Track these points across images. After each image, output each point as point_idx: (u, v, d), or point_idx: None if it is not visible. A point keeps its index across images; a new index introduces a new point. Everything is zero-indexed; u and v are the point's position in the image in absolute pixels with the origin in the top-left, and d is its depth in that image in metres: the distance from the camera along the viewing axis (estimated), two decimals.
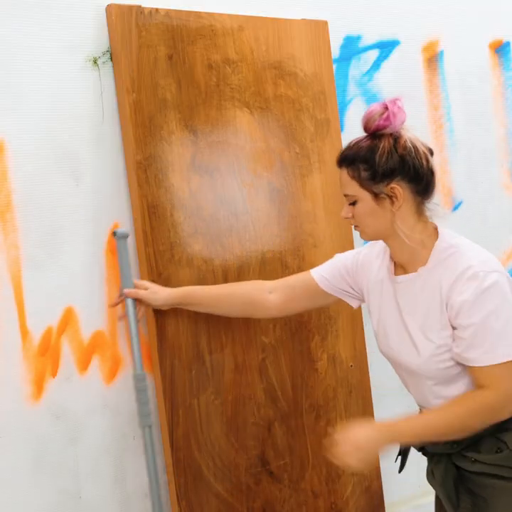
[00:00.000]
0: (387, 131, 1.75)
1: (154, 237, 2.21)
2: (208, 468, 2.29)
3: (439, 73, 2.93)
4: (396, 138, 1.74)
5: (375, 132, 1.75)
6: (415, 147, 1.75)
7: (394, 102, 1.74)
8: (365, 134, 1.78)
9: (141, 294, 2.14)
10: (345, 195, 1.82)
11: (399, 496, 2.84)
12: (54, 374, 2.14)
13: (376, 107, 1.75)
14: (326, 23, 2.58)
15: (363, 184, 1.76)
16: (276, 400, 2.43)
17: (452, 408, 1.78)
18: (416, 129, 2.85)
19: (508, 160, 3.13)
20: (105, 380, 2.22)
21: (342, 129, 2.64)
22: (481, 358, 1.72)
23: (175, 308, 2.22)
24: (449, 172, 2.96)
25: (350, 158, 1.77)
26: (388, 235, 1.81)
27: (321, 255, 2.52)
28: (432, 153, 1.80)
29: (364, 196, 1.77)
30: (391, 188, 1.73)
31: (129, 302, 2.15)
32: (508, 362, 1.71)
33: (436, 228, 1.83)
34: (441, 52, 2.93)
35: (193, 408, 2.27)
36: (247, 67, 2.39)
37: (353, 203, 1.80)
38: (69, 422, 2.17)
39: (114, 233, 2.16)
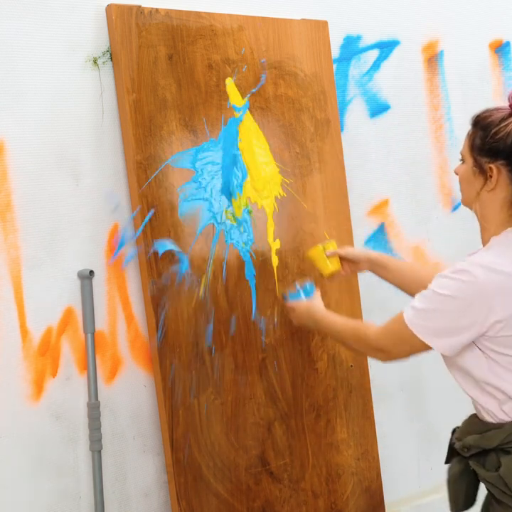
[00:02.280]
0: None
1: (154, 237, 2.21)
2: (208, 468, 2.29)
3: (439, 73, 2.93)
4: None
5: None
6: None
7: None
8: (508, 105, 1.75)
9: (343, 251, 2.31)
10: (460, 151, 1.84)
11: (399, 496, 2.84)
12: (54, 374, 2.14)
13: None
14: (326, 23, 2.58)
15: (472, 148, 1.77)
16: (276, 400, 2.43)
17: (350, 321, 2.07)
18: (416, 129, 2.87)
19: None
20: (105, 380, 2.22)
21: (342, 129, 2.64)
22: (408, 309, 1.79)
23: (175, 307, 2.22)
24: (449, 172, 2.96)
25: (477, 120, 1.77)
26: (471, 207, 1.85)
27: None
28: None
29: (468, 160, 1.78)
30: (490, 167, 1.72)
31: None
32: (404, 323, 1.76)
33: None
34: (441, 53, 2.93)
35: (193, 408, 2.27)
36: (247, 67, 2.39)
37: (462, 162, 1.83)
38: (69, 422, 2.17)
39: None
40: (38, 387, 2.12)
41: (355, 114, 2.72)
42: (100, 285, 2.21)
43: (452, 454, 1.89)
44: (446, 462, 1.92)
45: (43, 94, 2.11)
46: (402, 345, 1.82)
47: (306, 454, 2.49)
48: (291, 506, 2.45)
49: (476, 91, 3.02)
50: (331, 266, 2.29)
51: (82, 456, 2.20)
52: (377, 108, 2.77)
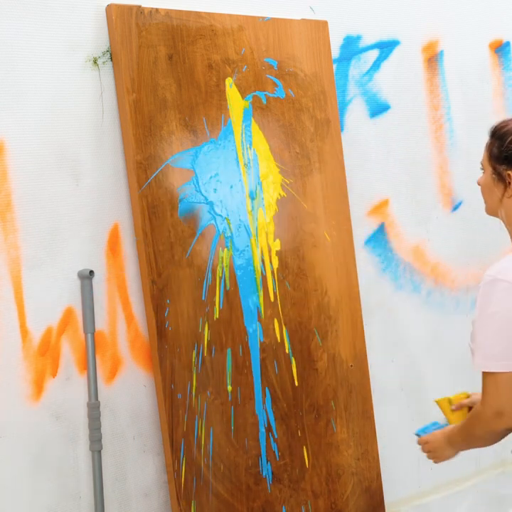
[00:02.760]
0: None
1: (154, 237, 2.21)
2: (208, 468, 2.29)
3: (439, 73, 2.93)
4: None
5: None
6: None
7: None
8: None
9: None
10: (480, 162, 1.89)
11: (399, 496, 2.84)
12: (54, 374, 2.14)
13: None
14: (326, 23, 2.58)
15: (490, 158, 1.82)
16: (276, 400, 2.43)
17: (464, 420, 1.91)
18: (416, 129, 2.87)
19: None
20: (105, 380, 2.22)
21: (342, 129, 2.64)
22: (475, 360, 1.76)
23: (175, 306, 2.23)
24: (449, 172, 2.96)
25: (494, 131, 1.84)
26: (496, 215, 1.88)
27: (321, 255, 2.53)
28: None
29: (487, 169, 1.84)
30: (508, 173, 1.78)
31: None
32: (486, 373, 1.73)
33: None
34: (441, 53, 2.93)
35: (193, 408, 2.27)
36: (247, 67, 2.39)
37: (483, 171, 1.88)
38: (69, 422, 2.17)
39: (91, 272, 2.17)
40: (38, 387, 2.12)
41: (355, 114, 2.72)
42: (100, 285, 2.21)
43: None
44: None
45: (43, 94, 2.11)
46: (501, 394, 1.73)
47: (306, 454, 2.49)
48: (291, 506, 2.45)
49: (476, 91, 3.02)
50: (453, 419, 2.21)
51: (82, 456, 2.20)
52: (377, 108, 2.77)
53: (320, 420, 2.52)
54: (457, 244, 3.00)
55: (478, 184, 1.89)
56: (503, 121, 1.84)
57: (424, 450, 2.09)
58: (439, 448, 2.03)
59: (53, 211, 2.14)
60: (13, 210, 2.08)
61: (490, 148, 1.83)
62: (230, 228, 2.35)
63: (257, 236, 2.41)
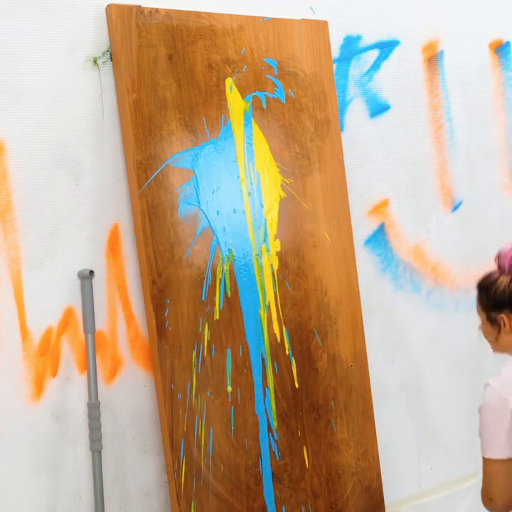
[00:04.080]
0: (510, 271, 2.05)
1: (154, 237, 2.21)
2: (208, 468, 2.29)
3: (439, 73, 2.93)
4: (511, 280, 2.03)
5: (500, 268, 2.05)
6: None
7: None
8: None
9: None
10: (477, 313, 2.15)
11: (399, 496, 2.84)
12: (54, 374, 2.14)
13: (507, 247, 2.05)
14: (326, 23, 2.58)
15: (483, 308, 2.08)
16: (277, 400, 2.43)
17: None
18: (416, 129, 2.87)
19: (508, 160, 3.13)
20: (105, 380, 2.22)
21: (342, 129, 2.64)
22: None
23: (175, 306, 2.23)
24: (449, 172, 2.96)
25: (479, 286, 2.09)
26: (500, 351, 2.12)
27: (321, 255, 2.53)
28: None
29: (483, 318, 2.09)
30: (500, 317, 2.03)
31: None
32: (485, 459, 1.95)
33: None
34: (441, 52, 2.93)
35: (193, 408, 2.27)
36: (247, 68, 2.39)
37: (481, 320, 2.13)
38: (69, 422, 2.17)
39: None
40: (38, 387, 2.12)
41: (355, 114, 2.72)
42: (100, 285, 2.21)
43: None
44: None
45: (43, 94, 2.11)
46: (491, 480, 1.95)
47: (306, 454, 2.49)
48: (291, 506, 2.45)
49: (476, 91, 3.02)
50: None
51: (82, 456, 2.20)
52: (377, 108, 2.77)
53: (320, 420, 2.52)
54: (457, 244, 3.00)
55: (480, 329, 2.14)
56: (484, 277, 2.08)
57: None
58: None
59: (53, 211, 2.14)
60: (13, 210, 2.08)
61: (480, 300, 2.08)
62: (225, 230, 2.35)
63: (257, 236, 2.41)
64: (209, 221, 2.31)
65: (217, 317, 2.31)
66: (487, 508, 2.00)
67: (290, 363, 2.46)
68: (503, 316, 2.03)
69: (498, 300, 2.03)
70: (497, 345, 2.09)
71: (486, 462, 1.96)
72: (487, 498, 1.97)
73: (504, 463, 1.94)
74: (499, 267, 2.06)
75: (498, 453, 1.94)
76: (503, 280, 2.03)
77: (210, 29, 2.32)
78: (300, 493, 2.47)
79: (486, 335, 2.11)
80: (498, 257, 2.07)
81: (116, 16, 2.17)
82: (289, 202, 2.47)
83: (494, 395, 1.98)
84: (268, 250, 2.43)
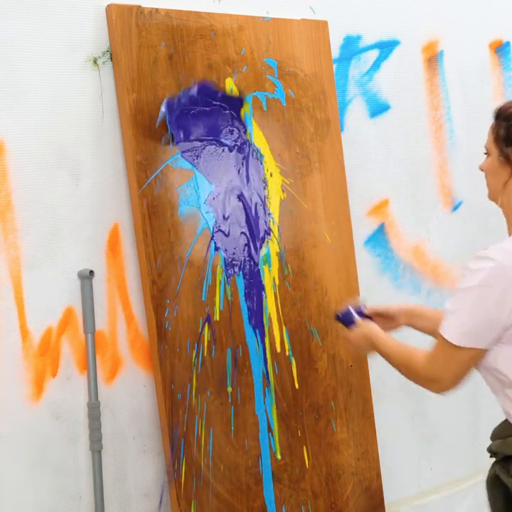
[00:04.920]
0: None
1: (154, 237, 2.21)
2: (208, 468, 2.29)
3: (439, 73, 2.93)
4: None
5: None
6: None
7: None
8: None
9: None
10: (484, 146, 1.85)
11: (399, 496, 2.84)
12: (54, 374, 2.14)
13: None
14: (326, 23, 2.58)
15: (496, 140, 1.79)
16: (277, 400, 2.43)
17: (402, 347, 1.93)
18: (416, 129, 2.87)
19: None
20: (105, 380, 2.22)
21: (342, 129, 2.64)
22: (442, 323, 1.75)
23: (173, 306, 2.22)
24: (449, 172, 2.96)
25: (499, 113, 1.80)
26: (498, 199, 1.87)
27: (321, 255, 2.53)
28: None
29: (493, 152, 1.80)
30: None
31: None
32: (446, 341, 1.71)
33: None
34: (441, 52, 2.93)
35: (193, 408, 2.27)
36: (247, 68, 2.39)
37: (487, 155, 1.84)
38: (69, 422, 2.17)
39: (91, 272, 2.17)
40: (38, 387, 2.12)
41: (355, 114, 2.72)
42: (100, 285, 2.21)
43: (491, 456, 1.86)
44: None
45: (43, 94, 2.11)
46: (449, 366, 1.73)
47: (306, 454, 2.49)
48: (291, 506, 2.45)
49: (476, 91, 3.02)
50: None
51: (82, 456, 2.20)
52: (377, 108, 2.77)
53: (320, 420, 2.52)
54: (457, 244, 3.00)
55: (481, 169, 1.86)
56: (508, 103, 1.80)
57: (342, 334, 2.17)
58: (356, 340, 2.08)
59: (53, 211, 2.14)
60: (13, 210, 2.08)
61: (496, 130, 1.78)
62: (229, 230, 2.35)
63: (257, 236, 2.41)
64: (208, 221, 2.31)
65: (217, 317, 2.31)
66: (423, 385, 1.80)
67: (290, 363, 2.46)
68: None
69: None
70: (502, 191, 1.82)
71: (450, 346, 1.70)
72: (432, 379, 1.76)
73: (478, 353, 1.70)
74: None
75: (470, 341, 1.68)
76: None
77: (210, 29, 2.32)
78: (300, 493, 2.47)
79: (491, 176, 1.83)
80: None
81: (116, 16, 2.17)
82: (289, 202, 2.47)
83: (499, 270, 1.66)
84: (268, 250, 2.43)
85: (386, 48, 2.78)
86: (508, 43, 3.11)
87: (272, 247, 2.43)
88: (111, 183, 2.22)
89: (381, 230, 2.79)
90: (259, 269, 2.40)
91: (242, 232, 2.37)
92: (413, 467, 2.90)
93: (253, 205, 2.40)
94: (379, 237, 2.79)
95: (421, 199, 2.90)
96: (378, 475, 2.66)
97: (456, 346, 1.70)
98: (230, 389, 2.34)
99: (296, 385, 2.47)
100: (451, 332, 1.71)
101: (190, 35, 2.29)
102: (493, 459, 1.83)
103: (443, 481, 2.97)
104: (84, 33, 2.17)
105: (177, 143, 2.25)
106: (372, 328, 2.05)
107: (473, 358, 1.72)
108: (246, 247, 2.38)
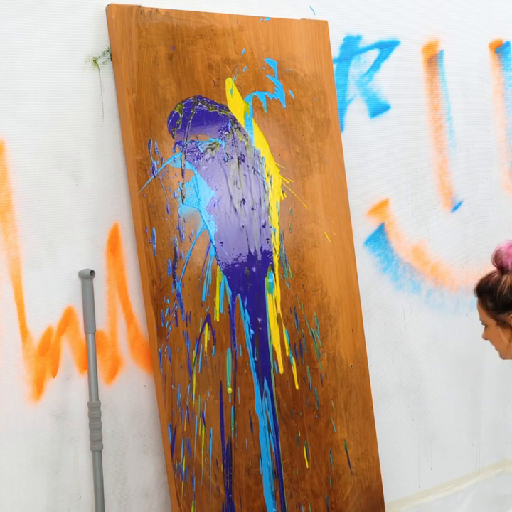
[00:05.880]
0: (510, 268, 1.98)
1: (154, 237, 2.21)
2: (208, 469, 2.29)
3: (439, 73, 2.93)
4: None
5: (500, 268, 1.99)
6: None
7: None
8: (495, 267, 2.02)
9: None
10: (480, 320, 2.07)
11: (399, 496, 2.84)
12: (54, 374, 2.14)
13: (505, 245, 1.98)
14: (326, 23, 2.58)
15: (488, 313, 2.01)
16: (277, 399, 2.43)
17: None
18: (416, 129, 2.87)
19: (508, 160, 3.13)
20: (105, 380, 2.22)
21: (342, 129, 2.64)
22: None
23: (173, 306, 2.23)
24: (449, 172, 2.96)
25: (479, 290, 2.03)
26: (508, 357, 2.04)
27: (321, 255, 2.53)
28: None
29: (490, 323, 2.01)
30: (511, 317, 1.96)
31: None
32: None
33: None
34: (441, 52, 2.93)
35: (193, 408, 2.27)
36: (247, 68, 2.39)
37: (486, 327, 2.06)
38: (69, 422, 2.17)
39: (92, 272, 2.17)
40: (38, 387, 2.12)
41: (355, 114, 2.72)
42: (100, 285, 2.21)
43: None
44: None
45: (43, 94, 2.11)
46: None
47: (306, 454, 2.49)
48: (291, 506, 2.45)
49: (476, 91, 3.02)
50: None
51: (82, 456, 2.20)
52: (377, 108, 2.77)
53: (320, 420, 2.52)
54: (457, 244, 3.00)
55: (486, 339, 2.05)
56: (482, 280, 2.03)
57: None
58: None
59: (53, 211, 2.14)
60: (13, 210, 2.08)
61: (484, 304, 2.01)
62: (229, 227, 2.35)
63: (257, 236, 2.41)
64: (208, 221, 2.31)
65: (217, 318, 2.32)
66: None
67: (290, 363, 2.46)
68: None
69: (506, 299, 1.96)
70: (507, 350, 2.00)
71: None
72: None
73: None
74: (500, 266, 1.99)
75: None
76: (507, 279, 1.96)
77: (210, 29, 2.33)
78: (300, 493, 2.47)
79: (497, 341, 2.02)
80: (496, 257, 1.99)
81: (116, 16, 2.17)
82: (289, 202, 2.47)
83: None
84: (268, 250, 2.43)
85: (386, 47, 2.78)
86: (508, 43, 3.11)
87: (272, 247, 2.43)
88: (111, 183, 2.22)
89: (381, 230, 2.80)
90: (259, 269, 2.40)
91: (241, 231, 2.37)
92: (413, 467, 2.91)
93: (253, 209, 2.40)
94: (379, 237, 2.79)
95: (421, 199, 2.90)
96: (378, 475, 2.66)
97: None
98: (230, 390, 2.34)
99: (296, 385, 2.47)
100: None
101: (190, 35, 2.29)
102: None
103: (443, 481, 2.97)
104: (84, 33, 2.17)
105: (177, 143, 2.25)
106: None
107: None
108: (246, 247, 2.38)
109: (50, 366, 2.14)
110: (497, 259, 2.00)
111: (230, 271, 2.34)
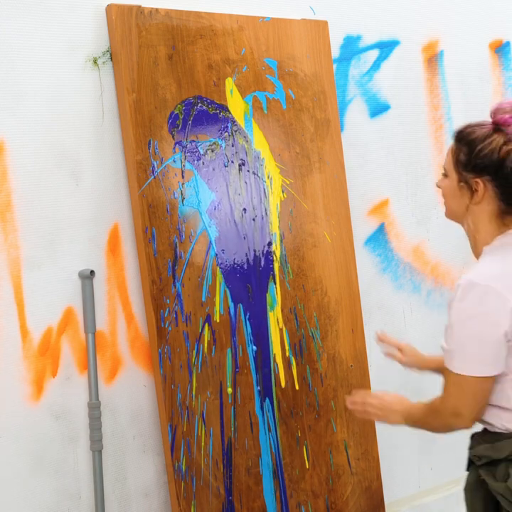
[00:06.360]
0: (508, 130, 1.70)
1: (154, 237, 2.21)
2: (208, 468, 2.29)
3: (439, 73, 2.93)
4: (507, 141, 1.69)
5: (496, 123, 1.71)
6: None
7: None
8: (490, 120, 1.74)
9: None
10: (443, 166, 1.83)
11: (399, 496, 2.84)
12: (54, 374, 2.14)
13: (510, 103, 1.72)
14: (326, 23, 2.58)
15: (456, 164, 1.76)
16: (277, 400, 2.43)
17: (421, 404, 1.87)
18: (416, 129, 2.87)
19: None
20: (105, 380, 2.22)
21: (342, 129, 2.64)
22: (446, 360, 1.73)
23: (173, 306, 2.22)
24: None
25: (460, 136, 1.76)
26: (460, 221, 1.85)
27: (321, 255, 2.53)
28: None
29: (453, 175, 1.77)
30: (476, 182, 1.72)
31: None
32: (454, 374, 1.71)
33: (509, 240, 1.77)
34: (441, 53, 2.93)
35: (193, 408, 2.27)
36: (247, 68, 2.39)
37: (445, 176, 1.82)
38: (69, 422, 2.17)
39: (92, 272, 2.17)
40: (38, 387, 2.12)
41: (355, 114, 2.72)
42: (100, 285, 2.21)
43: (470, 462, 1.88)
44: (466, 470, 1.90)
45: (43, 94, 2.11)
46: (465, 396, 1.71)
47: (306, 454, 2.49)
48: (291, 506, 2.45)
49: (476, 91, 3.02)
50: None
51: (82, 456, 2.20)
52: (377, 108, 2.77)
53: (320, 420, 2.52)
54: (457, 244, 3.00)
55: (439, 187, 1.84)
56: (469, 126, 1.75)
57: (371, 403, 1.98)
58: (389, 411, 1.95)
59: (53, 211, 2.14)
60: (13, 210, 2.08)
61: (456, 154, 1.76)
62: (229, 227, 2.35)
63: (257, 236, 2.41)
64: (209, 226, 2.31)
65: (217, 318, 2.32)
66: (449, 422, 1.78)
67: (290, 363, 2.46)
68: (479, 181, 1.71)
69: (481, 161, 1.70)
70: (464, 214, 1.79)
71: (461, 378, 1.68)
72: (454, 413, 1.74)
73: (486, 380, 1.67)
74: (496, 122, 1.70)
75: (481, 370, 1.66)
76: (496, 139, 1.69)
77: (210, 29, 2.32)
78: (300, 493, 2.47)
79: (450, 197, 1.80)
80: (496, 111, 1.72)
81: (116, 16, 2.17)
82: (289, 202, 2.47)
83: (490, 295, 1.64)
84: (268, 250, 2.43)
85: (386, 47, 2.78)
86: (508, 43, 3.11)
87: (272, 247, 2.43)
88: (111, 183, 2.22)
89: (381, 230, 2.80)
90: (259, 269, 2.40)
91: (241, 231, 2.37)
92: (413, 467, 2.90)
93: (254, 220, 2.40)
94: (379, 237, 2.79)
95: (421, 199, 2.90)
96: (378, 475, 2.66)
97: (465, 376, 1.69)
98: (230, 390, 2.34)
99: (296, 385, 2.47)
100: (457, 365, 1.70)
101: (190, 35, 2.29)
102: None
103: (443, 481, 2.97)
104: (84, 33, 2.17)
105: (177, 143, 2.25)
106: (403, 400, 1.98)
107: (484, 386, 1.70)
108: (246, 247, 2.38)
109: (50, 366, 2.13)
110: (497, 113, 1.71)
111: (230, 278, 2.34)
